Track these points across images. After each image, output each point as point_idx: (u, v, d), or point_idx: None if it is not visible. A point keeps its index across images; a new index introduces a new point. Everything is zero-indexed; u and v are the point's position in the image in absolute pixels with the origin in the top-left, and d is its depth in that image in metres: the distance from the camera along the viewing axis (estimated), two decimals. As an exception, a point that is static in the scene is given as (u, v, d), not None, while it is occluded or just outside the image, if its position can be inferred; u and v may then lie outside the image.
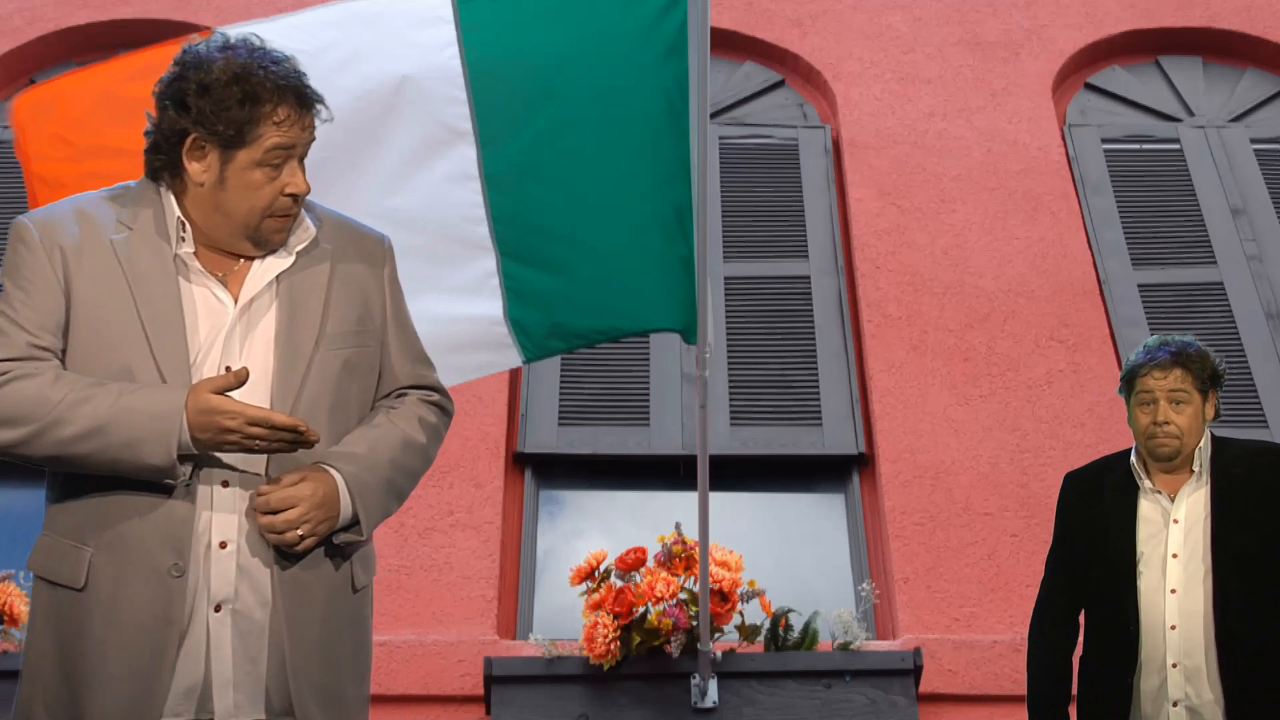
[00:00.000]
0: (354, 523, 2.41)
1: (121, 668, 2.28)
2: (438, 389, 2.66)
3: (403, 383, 2.60)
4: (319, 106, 2.46)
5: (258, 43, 2.44)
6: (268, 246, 2.46)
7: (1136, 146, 6.42)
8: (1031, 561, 4.99)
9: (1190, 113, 6.59)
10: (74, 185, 3.47)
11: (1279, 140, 6.45)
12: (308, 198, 2.51)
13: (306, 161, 2.48)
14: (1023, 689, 3.64)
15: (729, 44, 6.62)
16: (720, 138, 6.28)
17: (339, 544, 2.41)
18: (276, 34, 3.41)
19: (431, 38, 3.61)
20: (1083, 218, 6.09)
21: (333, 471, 2.39)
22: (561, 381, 5.53)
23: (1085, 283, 5.83)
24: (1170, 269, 5.96)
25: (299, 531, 2.32)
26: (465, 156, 3.66)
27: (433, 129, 3.63)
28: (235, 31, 2.51)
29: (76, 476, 2.35)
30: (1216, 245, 6.03)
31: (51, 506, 2.40)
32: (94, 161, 3.46)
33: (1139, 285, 5.88)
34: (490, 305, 3.75)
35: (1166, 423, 3.42)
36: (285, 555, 2.34)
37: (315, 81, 2.48)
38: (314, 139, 2.47)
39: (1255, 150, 6.39)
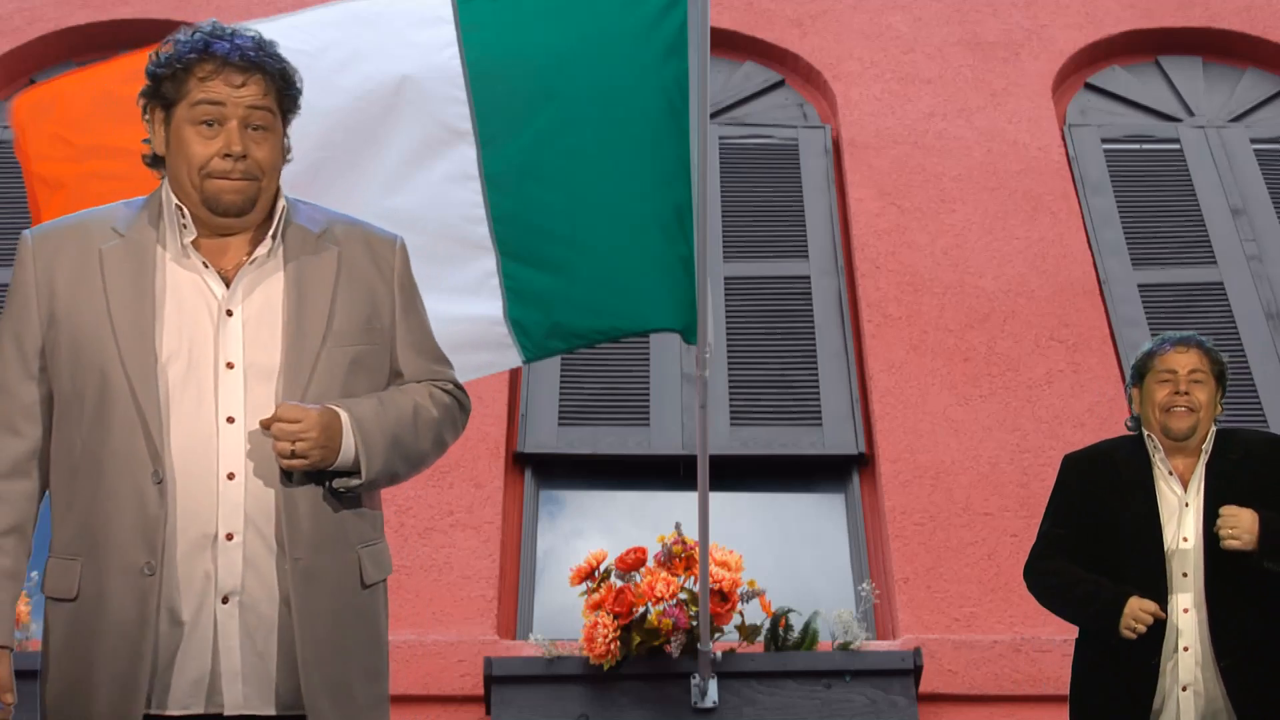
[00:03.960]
0: (354, 469, 2.41)
1: (106, 669, 2.31)
2: (454, 382, 2.66)
3: (416, 378, 2.59)
4: (263, 75, 2.44)
5: (224, 27, 2.48)
6: (225, 210, 2.43)
7: (1136, 146, 6.42)
8: (1031, 561, 4.99)
9: (1190, 113, 6.59)
10: (74, 185, 3.48)
11: (1279, 140, 6.45)
12: (322, 204, 2.51)
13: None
14: (1023, 689, 3.64)
15: (729, 44, 6.62)
16: (720, 138, 6.27)
17: (338, 489, 2.41)
18: (276, 34, 3.39)
19: (431, 38, 3.61)
20: (1083, 218, 6.08)
21: (339, 410, 2.40)
22: (561, 381, 5.53)
23: (1085, 283, 5.83)
24: (1170, 269, 5.96)
25: (294, 446, 2.32)
26: (465, 156, 3.66)
27: (433, 129, 3.64)
28: None
29: (67, 494, 2.38)
30: (1216, 245, 6.03)
31: (54, 529, 2.42)
32: (94, 161, 3.47)
33: (1139, 285, 5.88)
34: (490, 305, 3.75)
35: (1186, 393, 3.52)
36: (293, 541, 2.35)
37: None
38: (260, 107, 2.44)
39: (1255, 150, 6.39)
